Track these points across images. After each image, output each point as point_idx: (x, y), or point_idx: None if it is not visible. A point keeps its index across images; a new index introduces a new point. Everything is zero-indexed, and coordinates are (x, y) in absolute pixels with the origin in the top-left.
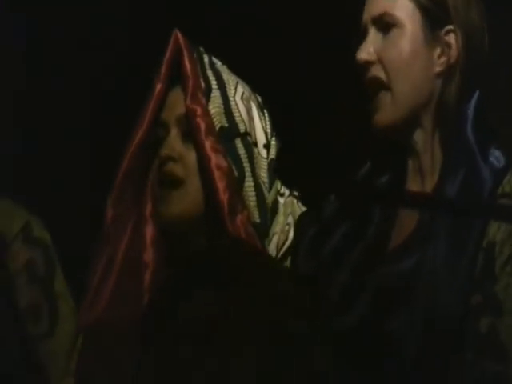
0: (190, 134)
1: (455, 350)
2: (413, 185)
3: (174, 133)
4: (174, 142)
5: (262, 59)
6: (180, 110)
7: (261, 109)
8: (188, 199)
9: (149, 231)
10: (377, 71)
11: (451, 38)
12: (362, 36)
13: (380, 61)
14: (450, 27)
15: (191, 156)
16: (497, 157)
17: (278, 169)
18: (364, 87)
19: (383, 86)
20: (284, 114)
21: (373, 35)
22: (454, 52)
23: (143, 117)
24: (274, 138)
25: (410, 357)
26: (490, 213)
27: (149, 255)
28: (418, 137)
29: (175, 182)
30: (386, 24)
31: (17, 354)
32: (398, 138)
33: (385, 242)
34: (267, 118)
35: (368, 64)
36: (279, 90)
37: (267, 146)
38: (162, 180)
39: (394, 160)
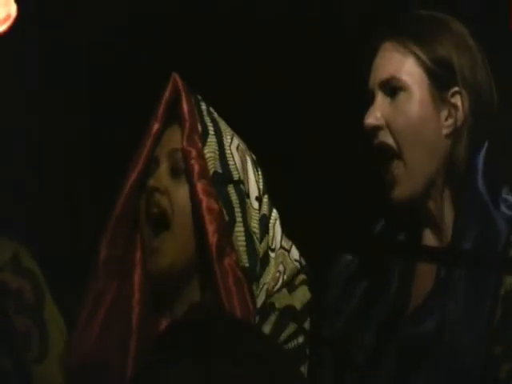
0: (179, 170)
1: None
2: (428, 242)
3: (164, 167)
4: (163, 174)
5: (267, 118)
6: (172, 145)
7: (255, 165)
8: (176, 248)
9: (137, 276)
10: (385, 137)
11: (458, 100)
12: (369, 100)
13: (388, 126)
14: (456, 89)
15: (178, 191)
16: (509, 204)
17: (288, 226)
18: (373, 152)
19: (393, 153)
20: (297, 171)
21: (380, 99)
22: (460, 114)
23: (138, 156)
24: (266, 196)
25: None
26: (505, 264)
27: (136, 299)
28: (431, 198)
29: (161, 218)
30: (393, 88)
31: (11, 379)
32: (415, 205)
33: (406, 302)
34: (261, 175)
35: (376, 129)
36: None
37: (259, 200)
38: (148, 213)
39: (407, 218)
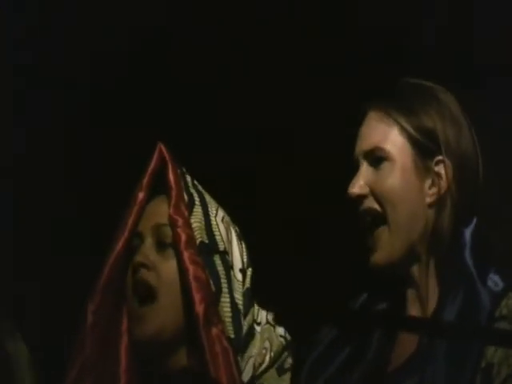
0: (164, 244)
1: None
2: (412, 312)
3: (149, 241)
4: (148, 250)
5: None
6: (156, 219)
7: (239, 237)
8: (162, 318)
9: (123, 345)
10: (370, 203)
11: (441, 169)
12: (354, 170)
13: (372, 193)
14: (440, 158)
15: (165, 266)
16: (495, 281)
17: (267, 298)
18: (358, 219)
19: (379, 216)
20: (277, 243)
21: (364, 169)
22: (443, 182)
23: (123, 226)
24: (250, 269)
25: None
26: (487, 337)
27: (123, 368)
28: (414, 267)
29: (148, 293)
30: (377, 158)
31: None
32: (395, 270)
33: (384, 365)
34: (244, 248)
35: (360, 197)
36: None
37: (243, 272)
38: (135, 289)
39: (391, 289)
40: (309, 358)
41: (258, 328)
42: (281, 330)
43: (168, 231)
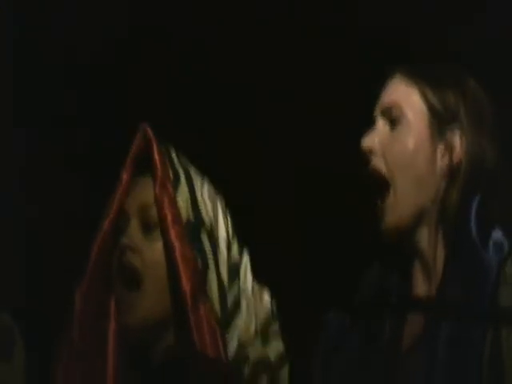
0: (150, 226)
1: None
2: (419, 283)
3: (135, 223)
4: (134, 232)
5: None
6: (141, 199)
7: (224, 210)
8: (148, 303)
9: (111, 329)
10: (379, 163)
11: (456, 141)
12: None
13: (383, 154)
14: (457, 129)
15: (151, 248)
16: (499, 247)
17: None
18: (365, 179)
19: (384, 180)
20: (282, 217)
21: (380, 126)
22: (456, 154)
23: (110, 207)
24: (235, 241)
25: None
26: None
27: (111, 352)
28: (422, 235)
29: (133, 277)
30: (393, 117)
31: None
32: (403, 237)
33: (399, 346)
34: (229, 220)
35: (371, 153)
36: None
37: (228, 246)
38: (120, 272)
39: (399, 261)
40: (320, 342)
41: (243, 301)
42: (267, 298)
43: (154, 212)
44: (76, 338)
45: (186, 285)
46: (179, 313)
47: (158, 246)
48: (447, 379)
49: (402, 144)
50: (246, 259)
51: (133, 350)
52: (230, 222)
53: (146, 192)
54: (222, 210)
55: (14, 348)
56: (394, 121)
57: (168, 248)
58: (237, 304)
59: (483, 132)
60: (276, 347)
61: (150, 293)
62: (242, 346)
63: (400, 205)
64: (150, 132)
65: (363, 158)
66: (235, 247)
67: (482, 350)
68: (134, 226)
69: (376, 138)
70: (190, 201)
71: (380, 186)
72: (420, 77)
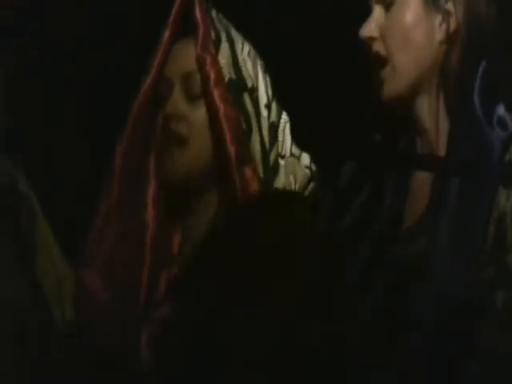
0: (194, 93)
1: (471, 325)
2: (423, 150)
3: (178, 91)
4: (178, 100)
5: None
6: (185, 67)
7: (264, 71)
8: (192, 156)
9: (151, 190)
10: (378, 47)
11: (451, 6)
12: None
13: (382, 37)
14: None
15: (195, 115)
16: (504, 124)
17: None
18: (368, 63)
19: (383, 60)
20: (297, 81)
21: (376, 12)
22: (453, 20)
23: (151, 66)
24: (275, 102)
25: (427, 333)
26: (499, 179)
27: (150, 215)
28: (423, 105)
29: (179, 141)
30: (388, 0)
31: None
32: (404, 107)
33: (399, 220)
34: (269, 81)
35: (370, 40)
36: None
37: (268, 107)
38: (166, 140)
39: (401, 131)
40: (326, 204)
41: (282, 162)
42: (306, 160)
43: (197, 79)
44: (114, 198)
45: (230, 146)
46: (223, 174)
47: (203, 111)
48: (454, 234)
49: (399, 20)
50: (284, 119)
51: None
52: (269, 83)
53: (189, 54)
54: (262, 69)
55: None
56: (388, 3)
57: (212, 110)
58: (275, 167)
59: None
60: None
61: (194, 149)
62: None
63: (398, 76)
64: None
65: (364, 46)
66: (274, 108)
67: (488, 221)
68: (178, 94)
69: (373, 24)
70: (231, 59)
71: (378, 63)
72: None
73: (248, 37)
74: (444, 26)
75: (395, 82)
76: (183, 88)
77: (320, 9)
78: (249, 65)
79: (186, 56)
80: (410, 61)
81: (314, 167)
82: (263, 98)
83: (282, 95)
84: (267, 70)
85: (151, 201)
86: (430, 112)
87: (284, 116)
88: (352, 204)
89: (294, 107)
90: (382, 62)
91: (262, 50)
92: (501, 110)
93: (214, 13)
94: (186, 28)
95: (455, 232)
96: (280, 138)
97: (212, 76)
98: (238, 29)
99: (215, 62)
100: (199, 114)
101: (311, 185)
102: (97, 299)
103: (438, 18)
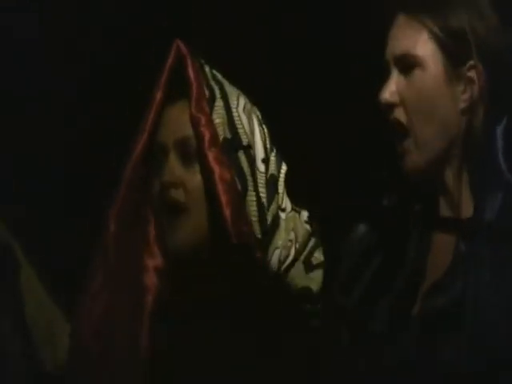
0: (190, 156)
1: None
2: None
3: (174, 156)
4: (174, 166)
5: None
6: (180, 132)
7: (260, 123)
8: (192, 225)
9: (152, 258)
10: (399, 114)
11: (473, 74)
12: (385, 70)
13: (402, 102)
14: (472, 63)
15: (193, 180)
16: None
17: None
18: (387, 126)
19: (404, 130)
20: (309, 133)
21: (396, 75)
22: (476, 88)
23: (143, 128)
24: (273, 154)
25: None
26: None
27: (151, 280)
28: (446, 173)
29: (178, 208)
30: (408, 65)
31: None
32: (427, 178)
33: (422, 277)
34: (266, 133)
35: (390, 105)
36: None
37: (266, 161)
38: (165, 207)
39: (423, 192)
40: (341, 265)
41: (282, 215)
42: (305, 215)
43: (193, 143)
44: (111, 262)
45: (225, 209)
46: (221, 237)
47: (199, 175)
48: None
49: (421, 89)
50: (284, 169)
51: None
52: (267, 135)
53: (184, 123)
54: (259, 122)
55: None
56: (408, 68)
57: (206, 173)
58: (276, 221)
59: (496, 45)
60: (319, 277)
61: (195, 216)
62: (284, 273)
63: (421, 149)
64: (183, 47)
65: (384, 111)
66: (273, 160)
67: None
68: (174, 160)
69: (393, 88)
70: (226, 118)
71: (400, 132)
72: (422, 10)
73: (253, 87)
74: (466, 95)
75: (419, 155)
76: (179, 153)
77: (322, 56)
78: (244, 121)
79: (181, 120)
80: (433, 133)
81: (314, 223)
82: (260, 153)
83: (282, 148)
84: (267, 121)
85: (153, 267)
86: (454, 176)
87: (284, 167)
88: (369, 265)
89: (295, 161)
90: (402, 130)
91: (268, 100)
92: None
93: (207, 69)
94: (179, 88)
95: (485, 287)
96: (280, 191)
97: (207, 137)
98: (237, 81)
99: (210, 121)
100: (196, 178)
101: (311, 241)
102: (89, 351)
103: (461, 86)
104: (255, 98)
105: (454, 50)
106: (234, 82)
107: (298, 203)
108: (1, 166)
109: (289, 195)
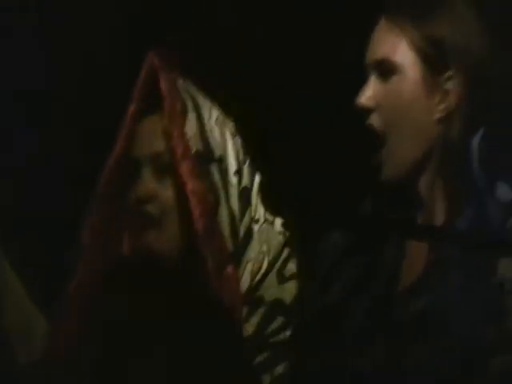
0: (163, 170)
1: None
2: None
3: (148, 171)
4: (148, 181)
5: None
6: (153, 147)
7: (233, 135)
8: (166, 238)
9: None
10: (374, 119)
11: (450, 85)
12: (364, 74)
13: (379, 108)
14: (450, 73)
15: (166, 193)
16: (504, 191)
17: (270, 199)
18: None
19: (379, 137)
20: (284, 143)
21: (374, 80)
22: (453, 99)
23: (118, 141)
24: (246, 165)
25: None
26: (499, 249)
27: None
28: (421, 182)
29: (153, 223)
30: (386, 70)
31: None
32: (402, 185)
33: (395, 283)
34: (240, 144)
35: (366, 110)
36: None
37: (239, 173)
38: (139, 221)
39: (397, 200)
40: (319, 267)
41: (255, 227)
42: (279, 225)
43: (166, 157)
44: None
45: (198, 222)
46: (193, 250)
47: (172, 188)
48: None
49: (398, 95)
50: (257, 183)
51: None
52: (240, 147)
53: (157, 138)
54: (232, 134)
55: None
56: (386, 74)
57: (179, 185)
58: (249, 233)
59: (477, 55)
60: (292, 289)
61: (168, 232)
62: (256, 286)
63: (396, 160)
64: (157, 60)
65: (360, 115)
66: (246, 172)
67: (487, 287)
68: (147, 174)
69: (370, 92)
70: (198, 130)
71: (375, 140)
72: (404, 16)
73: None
74: (442, 106)
75: (393, 166)
76: (152, 167)
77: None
78: (216, 133)
79: (154, 133)
80: (408, 141)
81: (287, 233)
82: (232, 166)
83: (256, 158)
84: (240, 131)
85: None
86: (428, 185)
87: (258, 177)
88: (343, 271)
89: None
90: (377, 137)
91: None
92: (501, 179)
93: (180, 81)
94: (154, 101)
95: (454, 295)
96: (253, 202)
97: (179, 150)
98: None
99: (182, 135)
100: (169, 191)
101: (285, 252)
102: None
103: (438, 96)
104: (228, 110)
105: (433, 59)
106: (209, 93)
107: (272, 211)
108: None
109: (263, 204)
